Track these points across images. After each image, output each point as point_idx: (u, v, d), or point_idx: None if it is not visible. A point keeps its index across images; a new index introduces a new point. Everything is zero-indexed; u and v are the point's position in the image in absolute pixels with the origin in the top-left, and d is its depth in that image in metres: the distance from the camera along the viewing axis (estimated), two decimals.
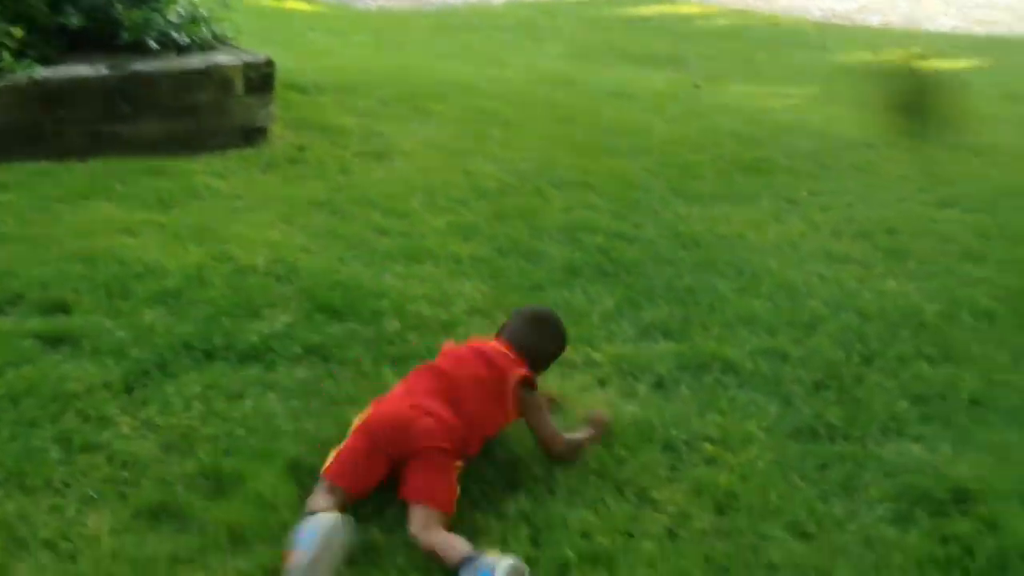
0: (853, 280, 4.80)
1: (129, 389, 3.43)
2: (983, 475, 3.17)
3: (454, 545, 2.66)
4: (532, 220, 5.32)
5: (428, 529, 2.72)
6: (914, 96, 6.33)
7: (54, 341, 3.63)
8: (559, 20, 12.90)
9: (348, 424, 3.30)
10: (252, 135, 6.24)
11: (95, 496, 2.88)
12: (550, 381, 3.67)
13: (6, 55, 5.41)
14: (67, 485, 2.92)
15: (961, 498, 3.07)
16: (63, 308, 3.86)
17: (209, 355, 3.68)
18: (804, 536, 2.88)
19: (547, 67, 9.81)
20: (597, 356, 3.89)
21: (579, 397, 3.57)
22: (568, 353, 3.91)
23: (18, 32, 5.52)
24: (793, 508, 3.00)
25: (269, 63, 6.28)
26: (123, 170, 5.43)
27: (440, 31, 11.60)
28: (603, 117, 7.66)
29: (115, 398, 3.36)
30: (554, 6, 13.74)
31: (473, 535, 2.79)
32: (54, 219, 4.71)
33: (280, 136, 6.31)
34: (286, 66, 6.65)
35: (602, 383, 3.70)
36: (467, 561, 2.56)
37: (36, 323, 3.74)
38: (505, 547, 2.72)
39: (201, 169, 5.64)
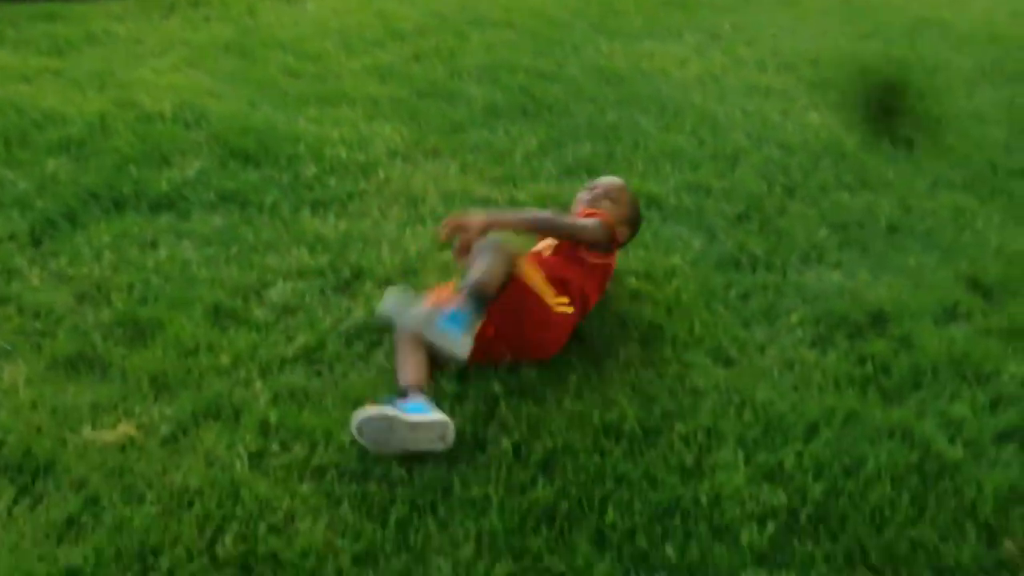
0: (776, 113, 4.79)
1: (36, 241, 3.29)
2: (898, 298, 3.24)
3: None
4: (451, 61, 5.16)
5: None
6: None
7: None
8: None
9: (268, 270, 3.24)
10: None
11: (8, 348, 2.78)
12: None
13: None
14: None
15: (877, 320, 3.14)
16: None
17: (118, 204, 3.54)
18: (727, 362, 2.93)
19: None
20: (521, 195, 3.83)
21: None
22: (491, 193, 3.87)
23: None
24: (716, 336, 3.04)
25: None
26: (15, 15, 5.09)
27: None
28: None
29: (22, 250, 3.23)
30: None
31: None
32: None
33: None
34: None
35: None
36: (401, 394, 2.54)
37: None
38: (434, 384, 2.72)
39: (98, 13, 5.33)
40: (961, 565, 2.22)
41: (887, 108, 4.83)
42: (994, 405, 2.73)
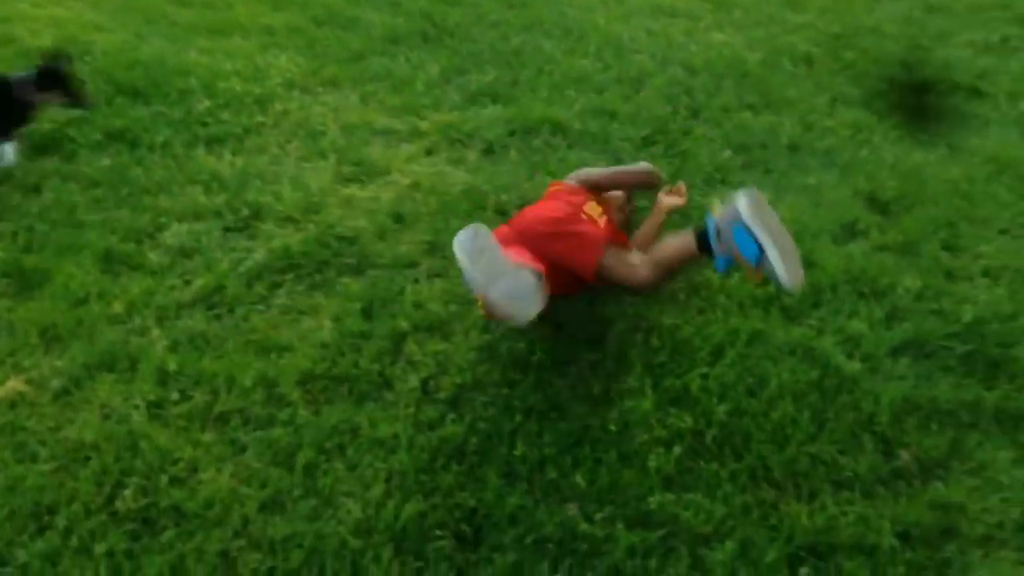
0: (680, 34, 4.75)
1: None
2: (799, 217, 3.27)
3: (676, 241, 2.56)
4: None
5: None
6: None
7: None
8: None
9: (162, 212, 3.12)
10: None
11: None
12: (377, 153, 3.54)
13: None
14: None
15: None
16: None
17: None
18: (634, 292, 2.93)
19: None
20: (424, 125, 3.75)
21: (406, 167, 3.46)
22: (393, 124, 3.78)
23: None
24: None
25: None
26: None
27: None
28: None
29: None
30: None
31: (311, 313, 2.72)
32: None
33: None
34: None
35: (429, 152, 3.58)
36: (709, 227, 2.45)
37: None
38: (339, 323, 2.67)
39: None
40: (859, 476, 2.29)
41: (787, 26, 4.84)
42: (889, 319, 2.79)
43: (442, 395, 2.46)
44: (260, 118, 3.75)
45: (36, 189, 3.18)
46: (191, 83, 3.90)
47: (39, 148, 3.39)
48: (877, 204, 3.38)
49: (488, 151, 3.59)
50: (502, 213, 3.18)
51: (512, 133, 3.70)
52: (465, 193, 3.26)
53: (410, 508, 2.15)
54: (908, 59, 4.36)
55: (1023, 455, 2.35)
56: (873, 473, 2.30)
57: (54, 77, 3.26)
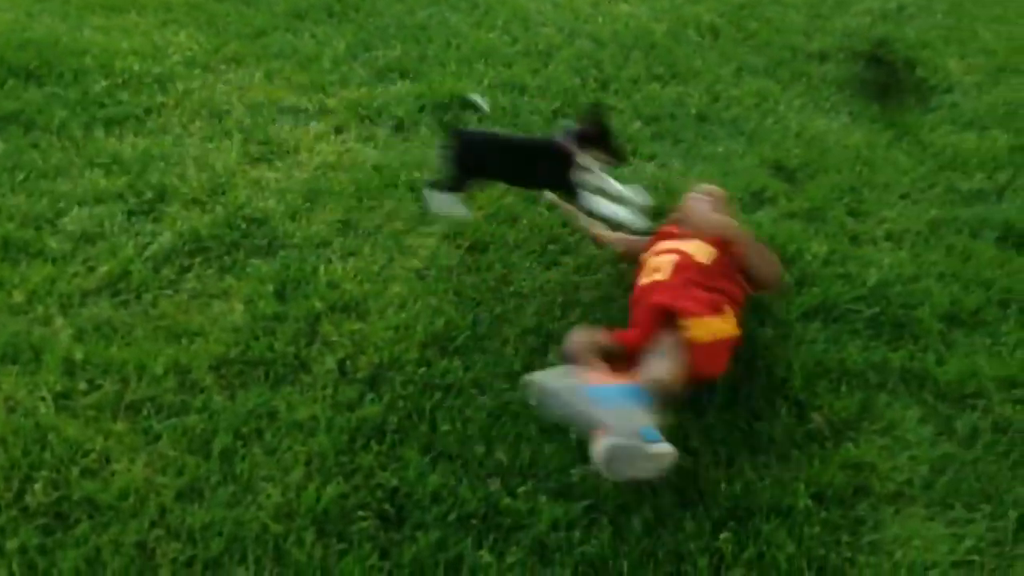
0: (587, 5, 4.76)
1: None
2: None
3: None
4: None
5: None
6: None
7: None
8: None
9: (61, 196, 3.01)
10: None
11: None
12: (284, 131, 3.47)
13: None
14: None
15: None
16: None
17: None
18: (550, 263, 2.93)
19: None
20: (331, 102, 3.69)
21: (315, 146, 3.40)
22: (300, 102, 3.71)
23: None
24: (539, 238, 3.03)
25: None
26: None
27: None
28: None
29: None
30: None
31: (222, 296, 2.66)
32: None
33: None
34: None
35: (339, 130, 3.53)
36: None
37: None
38: (252, 306, 2.62)
39: None
40: (775, 440, 2.34)
41: None
42: (799, 285, 2.85)
43: (360, 375, 2.44)
44: (161, 98, 3.65)
45: None
46: (87, 62, 3.77)
47: None
48: (783, 172, 3.44)
49: (398, 128, 3.55)
50: (413, 190, 3.14)
51: (422, 109, 3.66)
52: (376, 170, 3.22)
53: (331, 490, 2.13)
54: (876, 42, 4.44)
55: (929, 413, 2.43)
56: (788, 437, 2.35)
57: (594, 134, 2.82)
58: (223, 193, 3.10)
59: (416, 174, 3.21)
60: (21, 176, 3.10)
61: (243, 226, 2.93)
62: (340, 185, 3.14)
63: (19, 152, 3.22)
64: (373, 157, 3.32)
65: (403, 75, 3.93)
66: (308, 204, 3.05)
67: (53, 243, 2.81)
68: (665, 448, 2.11)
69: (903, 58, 4.29)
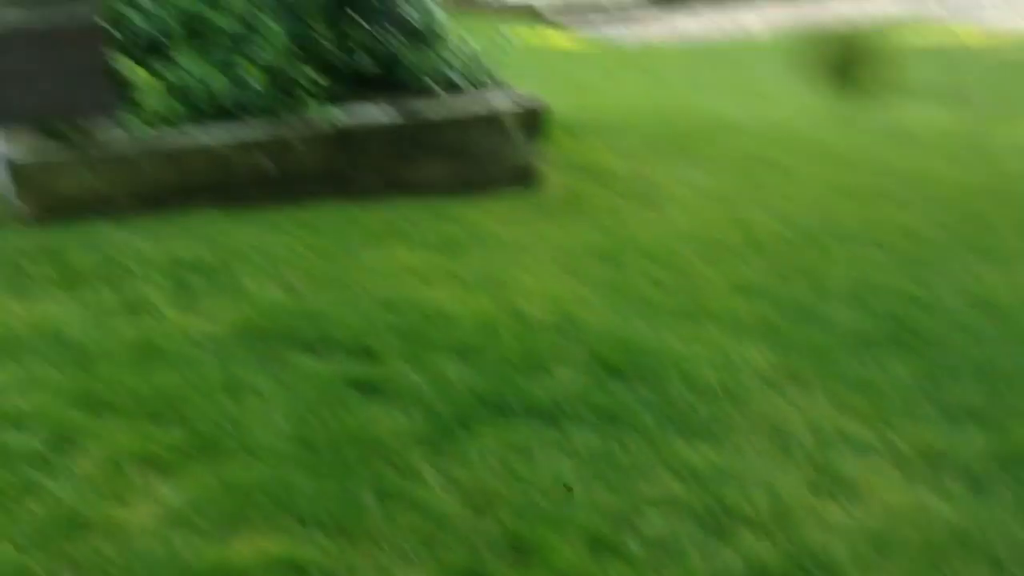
0: None
1: (433, 441, 3.56)
2: None
3: None
4: (815, 279, 5.13)
5: None
6: None
7: (364, 387, 3.84)
8: None
9: (641, 498, 3.29)
10: (526, 177, 6.41)
11: (409, 551, 3.00)
12: (849, 464, 3.51)
13: (311, 101, 5.79)
14: (383, 536, 3.06)
15: None
16: (370, 353, 4.08)
17: (502, 411, 3.77)
18: None
19: (817, 104, 9.48)
20: (898, 440, 3.66)
21: (882, 486, 3.38)
22: (865, 434, 3.74)
23: (319, 79, 5.88)
24: None
25: (541, 104, 6.45)
26: (412, 213, 5.70)
27: (702, 65, 11.45)
28: (883, 161, 7.30)
29: (421, 450, 3.50)
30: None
31: None
32: (355, 261, 5.01)
33: (552, 178, 6.44)
34: (555, 105, 6.78)
35: (907, 474, 3.47)
36: None
37: (347, 367, 3.98)
38: None
39: (481, 213, 5.83)
40: None
41: None
42: None
43: None
44: (729, 410, 3.90)
45: (533, 456, 3.50)
46: (666, 366, 4.16)
47: (536, 416, 3.75)
48: None
49: (974, 484, 3.41)
50: (995, 565, 2.97)
51: (1000, 465, 3.50)
52: (952, 536, 3.09)
53: None
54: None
55: None
56: None
57: None
58: (787, 523, 3.17)
59: (1000, 551, 3.03)
60: (608, 470, 3.45)
61: (809, 567, 2.96)
62: (910, 543, 3.07)
63: (606, 446, 3.61)
64: (946, 513, 3.21)
65: (976, 420, 3.81)
66: (876, 555, 3.02)
67: (632, 545, 3.06)
68: None
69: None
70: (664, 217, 6.04)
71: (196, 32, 5.79)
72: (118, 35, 5.52)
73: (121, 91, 5.35)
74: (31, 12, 4.94)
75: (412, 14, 6.42)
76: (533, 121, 6.39)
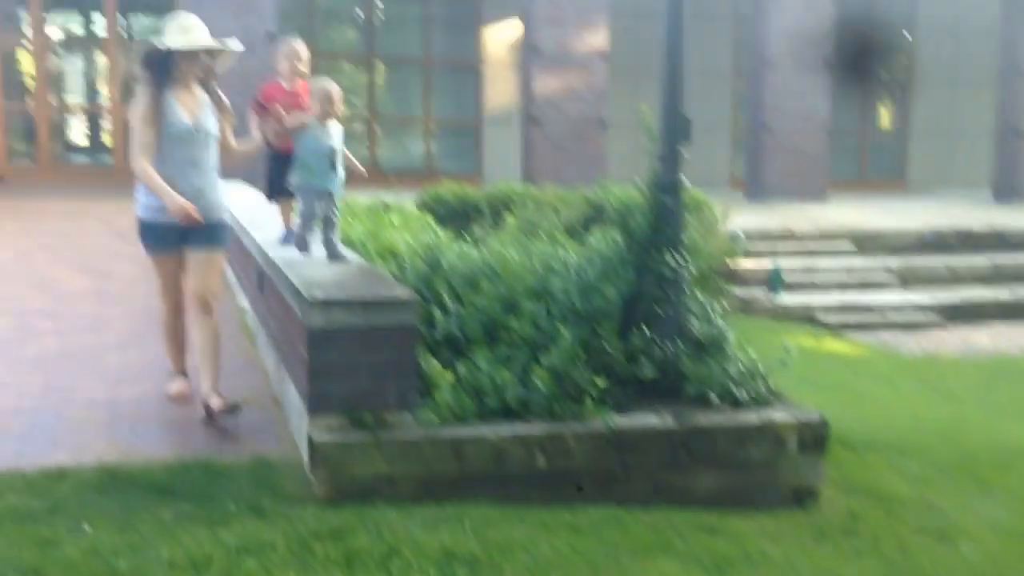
0: None
1: None
2: None
3: None
4: None
5: None
6: None
7: None
8: None
9: None
10: (802, 496, 6.18)
11: None
12: None
13: (588, 402, 5.97)
14: None
15: None
16: None
17: None
18: None
19: None
20: None
21: None
22: None
23: (601, 382, 6.07)
24: None
25: (823, 423, 6.27)
26: (681, 524, 5.60)
27: (997, 382, 10.83)
28: None
29: None
30: None
31: None
32: (621, 571, 4.94)
33: (830, 499, 6.17)
34: (833, 417, 6.59)
35: None
36: None
37: None
38: None
39: (753, 531, 5.64)
40: None
41: None
42: None
43: None
44: None
45: None
46: None
47: None
48: None
49: None
50: None
51: None
52: None
53: None
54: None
55: None
56: None
57: None
58: None
59: None
60: None
61: None
62: None
63: None
64: None
65: None
66: None
67: None
68: None
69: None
70: (956, 555, 5.58)
71: (493, 334, 6.24)
72: (424, 333, 6.06)
73: (420, 384, 5.78)
74: (355, 314, 5.54)
75: (696, 325, 6.60)
76: (811, 436, 6.22)
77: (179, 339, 6.64)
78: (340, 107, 6.42)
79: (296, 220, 6.96)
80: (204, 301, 6.34)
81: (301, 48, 7.20)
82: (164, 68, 5.89)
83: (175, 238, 6.16)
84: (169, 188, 5.91)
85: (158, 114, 5.87)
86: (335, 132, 6.47)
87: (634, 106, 20.94)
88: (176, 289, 6.44)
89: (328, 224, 6.62)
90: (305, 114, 6.47)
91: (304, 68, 7.14)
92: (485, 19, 20.61)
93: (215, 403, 6.27)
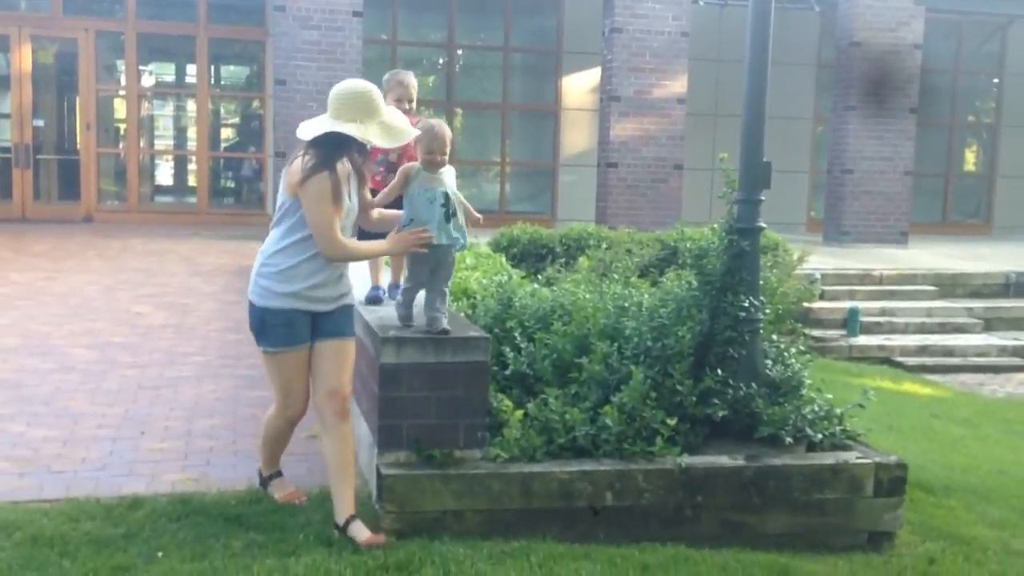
0: None
1: None
2: None
3: None
4: None
5: None
6: None
7: None
8: None
9: None
10: (877, 540, 6.04)
11: None
12: None
13: (659, 440, 5.94)
14: None
15: None
16: None
17: None
18: None
19: None
20: None
21: None
22: None
23: (672, 422, 6.04)
24: None
25: (901, 466, 6.13)
26: (751, 564, 5.51)
27: None
28: None
29: None
30: None
31: None
32: None
33: (906, 543, 6.02)
34: (912, 460, 6.44)
35: None
36: None
37: None
38: None
39: (826, 572, 5.53)
40: None
41: None
42: None
43: None
44: None
45: None
46: None
47: None
48: None
49: None
50: None
51: None
52: None
53: None
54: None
55: None
56: None
57: None
58: None
59: None
60: None
61: None
62: None
63: None
64: None
65: None
66: None
67: None
68: None
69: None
70: None
71: (564, 374, 6.28)
72: (496, 371, 6.11)
73: (490, 421, 5.83)
74: (427, 351, 5.62)
75: (770, 366, 6.54)
76: (889, 479, 6.08)
77: (285, 443, 5.86)
78: (447, 149, 5.43)
79: (388, 276, 6.66)
80: (342, 400, 5.38)
81: (410, 80, 6.27)
82: (343, 151, 5.12)
83: (305, 327, 5.28)
84: (379, 242, 5.50)
85: (338, 196, 5.08)
86: (448, 176, 5.49)
87: (709, 147, 20.85)
88: (306, 391, 5.44)
89: (434, 291, 5.64)
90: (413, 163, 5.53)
91: (412, 104, 6.30)
92: (566, 69, 20.82)
93: (364, 538, 5.32)
